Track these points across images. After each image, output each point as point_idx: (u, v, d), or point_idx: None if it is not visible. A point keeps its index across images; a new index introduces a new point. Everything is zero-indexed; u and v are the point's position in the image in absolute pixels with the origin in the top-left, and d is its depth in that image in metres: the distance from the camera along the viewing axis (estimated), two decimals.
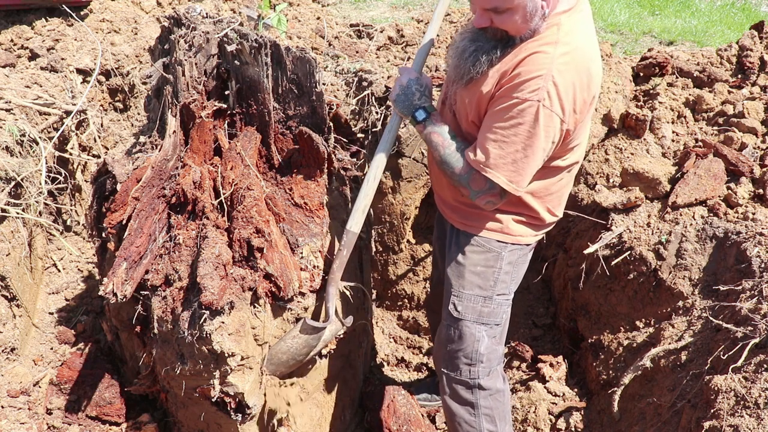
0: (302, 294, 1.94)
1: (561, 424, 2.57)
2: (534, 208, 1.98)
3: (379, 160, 1.95)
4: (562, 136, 1.75)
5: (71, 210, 3.24)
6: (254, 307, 1.85)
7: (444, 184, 2.08)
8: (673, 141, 2.92)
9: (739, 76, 3.14)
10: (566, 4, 1.71)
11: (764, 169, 2.61)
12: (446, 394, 2.20)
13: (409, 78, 1.91)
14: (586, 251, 2.73)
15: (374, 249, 3.39)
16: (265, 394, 2.02)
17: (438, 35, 3.90)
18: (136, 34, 3.91)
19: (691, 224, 2.52)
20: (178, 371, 1.83)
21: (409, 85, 1.90)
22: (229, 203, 1.94)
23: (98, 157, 3.42)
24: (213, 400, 1.87)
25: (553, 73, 1.63)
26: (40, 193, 2.79)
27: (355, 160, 2.50)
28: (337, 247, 2.01)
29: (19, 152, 2.79)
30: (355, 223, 1.97)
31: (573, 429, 2.54)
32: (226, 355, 1.74)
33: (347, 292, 2.17)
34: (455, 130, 1.92)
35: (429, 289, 2.73)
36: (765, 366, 1.85)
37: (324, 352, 2.14)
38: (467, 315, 2.07)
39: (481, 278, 2.05)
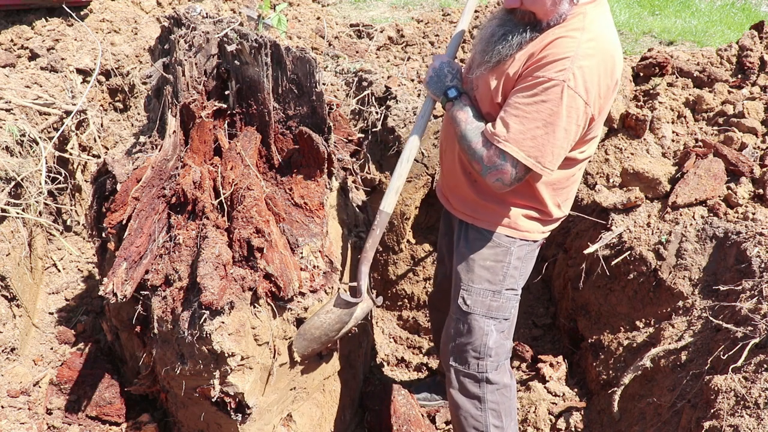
0: (302, 294, 1.95)
1: (561, 424, 2.57)
2: (544, 201, 2.00)
3: (413, 142, 2.01)
4: (587, 121, 1.77)
5: (71, 210, 3.24)
6: (254, 307, 1.85)
7: (460, 183, 2.10)
8: (673, 141, 2.92)
9: (739, 76, 3.14)
10: None
11: (764, 169, 2.61)
12: (454, 388, 2.22)
13: (441, 61, 1.98)
14: (586, 251, 2.73)
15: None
16: (264, 394, 2.02)
17: (438, 35, 3.90)
18: (136, 34, 3.91)
19: (691, 224, 2.52)
20: (178, 371, 1.83)
21: (441, 68, 1.97)
22: (229, 203, 1.94)
23: (98, 157, 3.42)
24: (213, 400, 1.87)
25: (579, 55, 1.67)
26: (40, 193, 2.79)
27: (354, 159, 2.50)
28: (371, 226, 2.06)
29: (19, 152, 2.79)
30: (388, 204, 2.01)
31: (573, 429, 2.54)
32: (226, 355, 1.74)
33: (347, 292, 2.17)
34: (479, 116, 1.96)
35: (432, 287, 2.73)
36: (765, 366, 1.85)
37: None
38: (476, 309, 2.10)
39: (490, 272, 2.07)
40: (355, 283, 2.09)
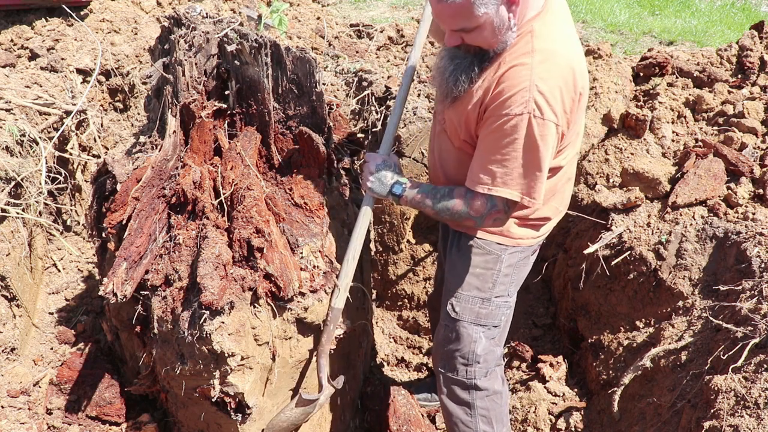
0: (302, 294, 1.95)
1: (561, 424, 2.57)
2: (541, 211, 1.99)
3: (356, 243, 2.01)
4: (559, 139, 1.75)
5: (71, 210, 3.24)
6: (254, 307, 1.85)
7: (447, 181, 2.09)
8: (673, 141, 2.92)
9: (739, 76, 3.14)
10: (535, 8, 1.70)
11: (764, 169, 2.61)
12: (443, 394, 2.22)
13: (376, 164, 1.97)
14: (586, 251, 2.73)
15: (374, 249, 3.39)
16: (264, 394, 2.02)
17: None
18: (136, 34, 3.91)
19: (691, 224, 2.52)
20: (178, 371, 1.83)
21: (378, 170, 1.96)
22: (229, 203, 1.94)
23: (98, 157, 3.42)
24: (213, 400, 1.87)
25: (536, 82, 1.63)
26: (40, 193, 2.79)
27: (355, 159, 2.50)
28: (324, 321, 2.05)
29: (19, 152, 2.79)
30: (339, 300, 2.01)
31: (573, 429, 2.54)
32: (226, 355, 1.74)
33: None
34: (449, 153, 1.96)
35: (432, 288, 2.73)
36: (765, 366, 1.85)
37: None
38: (465, 316, 2.08)
39: (479, 280, 2.05)
40: (353, 283, 2.11)
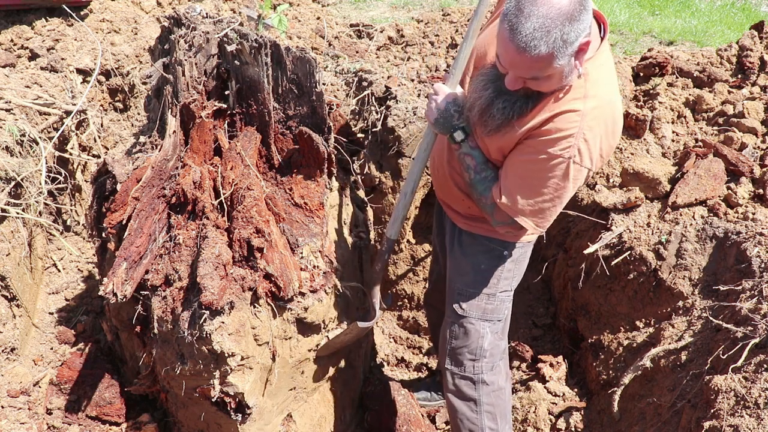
0: (302, 294, 1.95)
1: (561, 424, 2.57)
2: None
3: (415, 174, 2.01)
4: (586, 179, 1.81)
5: (71, 210, 3.24)
6: (254, 307, 1.85)
7: (455, 197, 2.10)
8: (673, 141, 2.92)
9: (739, 76, 3.14)
10: (591, 50, 1.66)
11: (764, 169, 2.61)
12: (449, 391, 2.23)
13: (446, 102, 1.86)
14: (586, 251, 2.73)
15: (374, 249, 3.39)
16: (264, 394, 2.02)
17: (438, 35, 3.90)
18: (136, 34, 3.91)
19: (691, 224, 2.52)
20: (178, 371, 1.83)
21: (447, 108, 1.86)
22: (229, 203, 1.94)
23: (98, 157, 3.42)
24: (213, 400, 1.87)
25: (584, 130, 1.65)
26: (40, 193, 2.79)
27: (354, 159, 2.50)
28: (378, 251, 2.19)
29: (19, 152, 2.78)
30: (393, 231, 2.11)
31: (573, 429, 2.54)
32: (226, 355, 1.74)
33: (347, 292, 2.17)
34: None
35: (428, 285, 2.74)
36: (765, 366, 1.84)
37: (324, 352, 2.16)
38: (472, 312, 2.11)
39: (485, 277, 2.09)
40: (353, 283, 2.14)
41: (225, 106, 2.13)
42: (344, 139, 2.42)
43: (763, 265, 2.20)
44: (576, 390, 2.75)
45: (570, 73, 1.61)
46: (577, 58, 1.57)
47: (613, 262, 2.65)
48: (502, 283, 2.10)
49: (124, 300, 1.82)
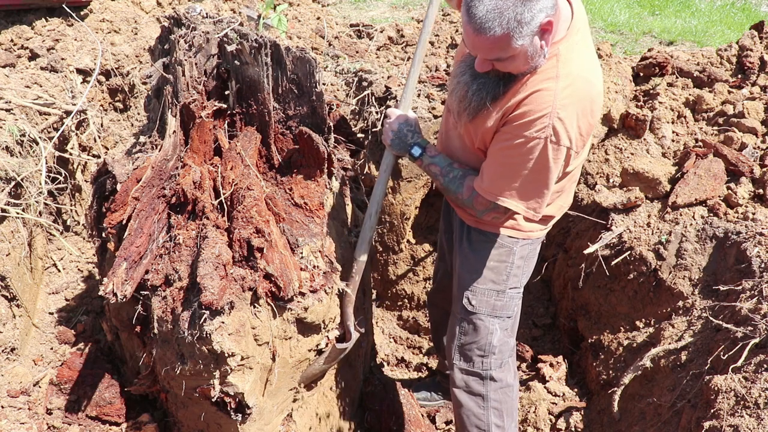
0: (302, 294, 1.95)
1: (561, 424, 2.57)
2: (547, 211, 2.02)
3: (378, 196, 2.08)
4: (570, 159, 1.80)
5: (71, 210, 3.24)
6: (254, 307, 1.85)
7: None
8: (673, 141, 2.92)
9: (739, 76, 3.14)
10: (561, 30, 1.71)
11: (764, 169, 2.61)
12: (457, 387, 2.24)
13: (399, 123, 2.00)
14: (586, 251, 2.73)
15: (374, 249, 3.39)
16: (264, 394, 2.02)
17: (438, 35, 3.90)
18: (136, 34, 3.91)
19: (691, 224, 2.52)
20: (178, 371, 1.83)
21: (400, 129, 2.00)
22: (229, 203, 1.94)
23: (98, 157, 3.42)
24: (213, 400, 1.87)
25: (557, 109, 1.66)
26: (40, 193, 2.79)
27: (354, 159, 2.49)
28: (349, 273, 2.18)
29: (19, 152, 2.78)
30: (362, 252, 2.13)
31: (573, 429, 2.54)
32: (226, 355, 1.74)
33: (347, 292, 2.17)
34: (464, 151, 1.99)
35: (432, 284, 2.75)
36: (765, 366, 1.85)
37: (327, 350, 2.16)
38: (481, 309, 2.13)
39: (494, 273, 2.10)
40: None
41: (225, 106, 2.13)
42: (344, 139, 2.43)
43: (763, 265, 2.20)
44: (576, 390, 2.75)
45: (536, 54, 1.64)
46: (542, 39, 1.61)
47: (613, 262, 2.65)
48: (512, 280, 2.11)
49: (124, 300, 1.81)
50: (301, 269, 1.96)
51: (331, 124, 2.14)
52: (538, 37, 1.60)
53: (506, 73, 1.71)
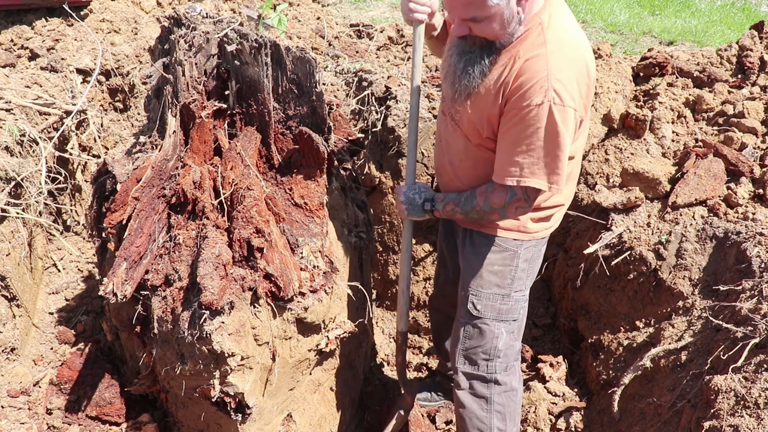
0: (302, 294, 1.94)
1: (561, 424, 2.57)
2: (554, 202, 2.02)
3: (407, 270, 2.28)
4: (578, 124, 1.79)
5: (71, 210, 3.24)
6: (254, 307, 1.85)
7: (461, 189, 2.10)
8: (673, 141, 2.92)
9: (739, 76, 3.14)
10: (539, 2, 1.75)
11: (764, 169, 2.61)
12: (460, 389, 2.23)
13: (404, 192, 2.12)
14: (586, 251, 2.73)
15: (374, 249, 3.39)
16: (264, 394, 2.02)
17: None
18: (136, 34, 3.91)
19: (691, 224, 2.52)
20: (178, 371, 1.83)
21: (408, 196, 2.11)
22: (229, 203, 1.94)
23: (98, 157, 3.42)
24: (213, 400, 1.86)
25: (552, 71, 1.67)
26: (40, 193, 2.79)
27: (354, 159, 2.50)
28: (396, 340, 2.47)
29: (19, 152, 2.78)
30: (403, 323, 2.36)
31: (573, 429, 2.54)
32: (226, 355, 1.74)
33: (348, 292, 2.17)
34: (465, 152, 1.99)
35: (433, 288, 2.74)
36: (765, 366, 1.84)
37: (327, 350, 2.15)
38: (486, 313, 2.12)
39: (498, 277, 2.09)
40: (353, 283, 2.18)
41: (225, 106, 2.13)
42: (345, 140, 2.43)
43: (763, 265, 2.20)
44: (576, 390, 2.75)
45: (512, 18, 1.69)
46: (518, 4, 1.66)
47: (613, 262, 2.65)
48: (516, 283, 2.10)
49: (124, 300, 1.81)
50: (301, 269, 1.96)
51: (331, 124, 2.14)
52: (515, 2, 1.65)
53: (486, 44, 1.75)
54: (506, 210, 1.89)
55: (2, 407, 2.29)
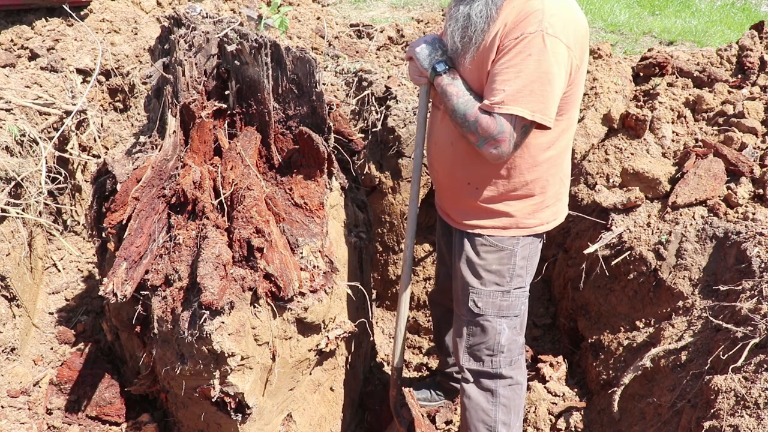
0: (302, 294, 1.95)
1: (561, 424, 2.57)
2: (547, 180, 2.00)
3: (404, 312, 2.34)
4: (571, 68, 1.78)
5: (71, 210, 3.24)
6: (254, 307, 1.85)
7: (458, 187, 2.09)
8: (673, 141, 2.92)
9: (739, 76, 3.14)
10: None
11: (764, 169, 2.61)
12: (468, 383, 2.25)
13: (434, 37, 2.01)
14: (586, 251, 2.73)
15: (374, 249, 3.39)
16: (264, 394, 2.02)
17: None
18: (136, 34, 3.91)
19: (691, 224, 2.52)
20: (178, 371, 1.83)
21: (434, 42, 1.98)
22: (229, 203, 1.94)
23: (98, 157, 3.42)
24: (213, 400, 1.87)
25: (547, 9, 1.71)
26: (40, 193, 2.79)
27: (354, 159, 2.49)
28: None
29: (19, 152, 2.78)
30: (398, 359, 2.41)
31: (573, 429, 2.54)
32: (226, 355, 1.74)
33: (348, 292, 2.17)
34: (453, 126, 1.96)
35: (435, 284, 2.75)
36: (765, 366, 1.84)
37: (327, 350, 2.16)
38: (488, 310, 2.13)
39: (497, 275, 2.10)
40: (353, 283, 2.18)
41: (225, 106, 2.13)
42: (345, 140, 2.42)
43: (763, 265, 2.20)
44: (576, 390, 2.75)
45: None
46: None
47: (613, 262, 2.65)
48: (516, 280, 2.11)
49: (124, 300, 1.81)
50: (301, 269, 1.96)
51: (331, 124, 2.14)
52: None
53: None
54: (485, 142, 1.83)
55: (2, 407, 2.29)
